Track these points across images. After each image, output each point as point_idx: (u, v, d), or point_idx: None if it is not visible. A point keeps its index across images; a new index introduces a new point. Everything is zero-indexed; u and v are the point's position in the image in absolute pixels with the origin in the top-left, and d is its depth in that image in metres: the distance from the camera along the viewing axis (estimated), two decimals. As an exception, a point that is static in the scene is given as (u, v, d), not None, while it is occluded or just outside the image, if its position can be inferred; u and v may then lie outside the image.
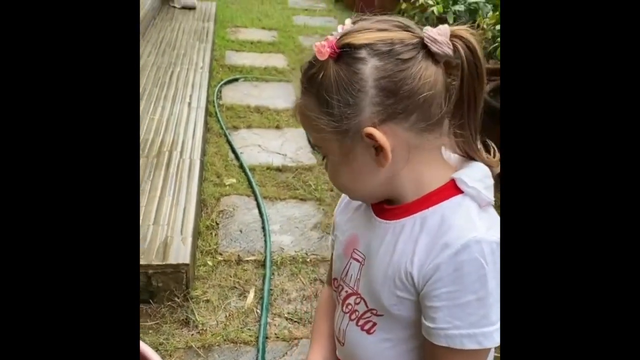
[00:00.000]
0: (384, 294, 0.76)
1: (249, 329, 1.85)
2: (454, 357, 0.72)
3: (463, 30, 0.70)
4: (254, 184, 2.63)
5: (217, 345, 1.77)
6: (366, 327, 0.80)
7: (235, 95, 3.68)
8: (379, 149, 0.70)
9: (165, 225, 2.02)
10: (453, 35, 0.69)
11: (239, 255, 2.17)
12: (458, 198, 0.73)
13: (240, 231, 2.34)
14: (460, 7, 2.45)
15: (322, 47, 0.68)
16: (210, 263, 2.12)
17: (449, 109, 0.71)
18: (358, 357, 0.83)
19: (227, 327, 1.84)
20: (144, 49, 3.85)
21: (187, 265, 1.87)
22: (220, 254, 2.18)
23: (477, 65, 0.70)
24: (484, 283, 0.68)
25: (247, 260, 2.16)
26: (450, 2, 2.51)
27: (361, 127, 0.69)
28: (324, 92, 0.69)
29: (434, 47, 0.68)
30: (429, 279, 0.70)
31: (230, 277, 2.07)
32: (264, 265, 2.13)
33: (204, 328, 1.83)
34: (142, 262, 1.84)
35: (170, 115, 2.92)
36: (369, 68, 0.67)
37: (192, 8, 5.07)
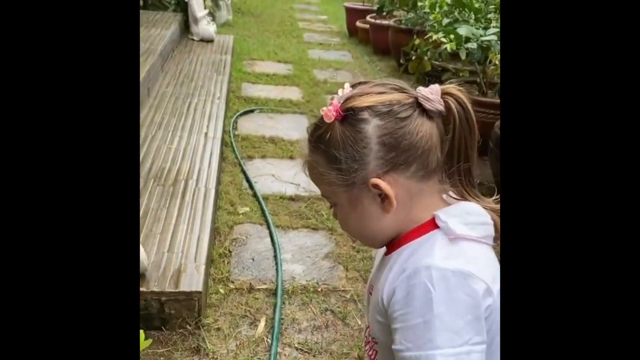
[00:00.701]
0: (372, 321, 0.83)
1: (259, 358, 1.85)
2: None
3: (452, 87, 0.80)
4: (266, 212, 2.66)
5: (228, 373, 1.78)
6: (372, 356, 0.87)
7: (251, 126, 3.75)
8: (384, 197, 0.78)
9: (180, 253, 2.05)
10: (444, 93, 0.78)
11: (250, 284, 2.19)
12: (431, 232, 0.79)
13: (253, 259, 2.36)
14: (472, 45, 2.50)
15: (328, 112, 0.77)
16: (222, 291, 2.14)
17: (443, 158, 0.80)
18: None
19: (237, 356, 1.85)
20: (162, 80, 3.95)
21: (199, 293, 1.89)
22: (232, 282, 2.20)
23: (467, 118, 0.79)
24: (430, 307, 0.71)
25: (259, 289, 2.18)
26: (463, 39, 2.57)
27: (367, 179, 0.77)
28: (332, 149, 0.78)
29: (427, 105, 0.78)
30: (389, 301, 0.76)
31: (242, 305, 2.09)
32: (275, 294, 2.14)
33: (215, 356, 1.84)
34: (155, 289, 1.86)
35: (187, 145, 2.98)
36: (372, 127, 0.76)
37: (210, 41, 5.21)
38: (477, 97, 3.28)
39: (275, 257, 2.37)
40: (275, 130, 3.69)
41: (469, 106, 0.79)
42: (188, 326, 1.91)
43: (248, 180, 2.97)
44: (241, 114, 3.89)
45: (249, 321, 2.02)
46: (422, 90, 0.79)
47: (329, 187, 0.81)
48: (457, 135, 0.79)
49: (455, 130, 0.79)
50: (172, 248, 2.07)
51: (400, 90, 0.79)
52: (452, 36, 2.48)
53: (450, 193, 0.82)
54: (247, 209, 2.73)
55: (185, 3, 5.32)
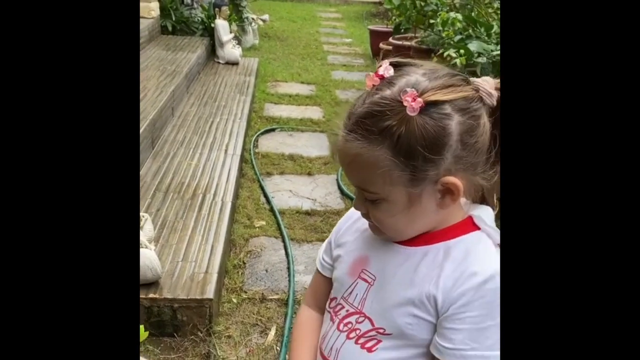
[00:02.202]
0: (399, 313, 0.79)
1: (267, 365, 1.88)
2: None
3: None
4: (282, 226, 2.71)
5: (236, 379, 1.81)
6: (367, 346, 0.83)
7: (271, 144, 3.84)
8: (445, 192, 0.75)
9: (193, 262, 2.11)
10: (496, 88, 0.75)
11: (263, 294, 2.23)
12: (477, 233, 0.80)
13: (266, 271, 2.40)
14: (483, 60, 2.54)
15: (415, 104, 0.70)
16: (234, 300, 2.19)
17: (497, 152, 0.76)
18: None
19: (246, 362, 1.88)
20: (187, 100, 4.08)
21: (210, 300, 1.94)
22: (245, 292, 2.24)
23: None
24: (499, 311, 0.73)
25: (271, 299, 2.22)
26: (475, 55, 2.60)
27: (439, 176, 0.73)
28: (407, 144, 0.71)
29: (488, 101, 0.74)
30: (455, 302, 0.75)
31: (253, 314, 2.13)
32: (286, 304, 2.18)
33: (224, 362, 1.88)
34: (168, 295, 1.92)
35: (207, 161, 3.07)
36: (455, 123, 0.72)
37: (235, 63, 5.36)
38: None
39: (288, 268, 2.41)
40: (295, 147, 3.76)
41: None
42: (199, 333, 1.96)
43: (265, 195, 3.03)
44: (262, 133, 3.97)
45: (259, 329, 2.06)
46: (481, 84, 0.75)
47: (385, 182, 0.74)
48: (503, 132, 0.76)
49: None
50: (187, 257, 2.14)
51: (468, 82, 0.75)
52: (462, 51, 2.52)
53: None
54: (264, 222, 2.78)
55: (212, 28, 5.51)
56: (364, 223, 0.86)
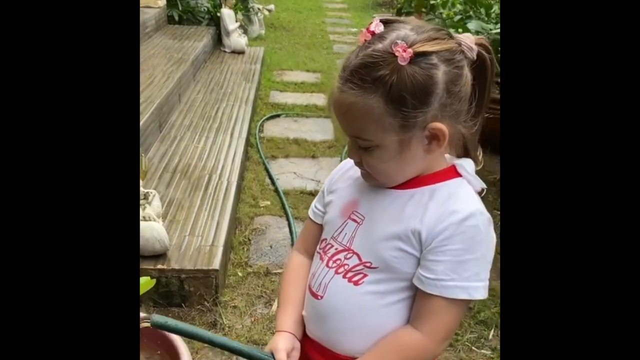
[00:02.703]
0: (385, 248, 0.86)
1: (272, 332, 1.95)
2: (442, 306, 0.84)
3: (483, 38, 0.85)
4: (286, 205, 2.77)
5: (241, 346, 1.88)
6: (354, 279, 0.89)
7: (276, 129, 3.90)
8: (432, 138, 0.82)
9: (200, 237, 2.18)
10: (477, 44, 0.83)
11: (267, 268, 2.30)
12: (460, 179, 0.88)
13: (271, 247, 2.47)
14: (481, 38, 2.58)
15: (405, 54, 0.76)
16: (240, 274, 2.26)
17: (477, 106, 0.84)
18: (339, 308, 0.91)
19: (251, 330, 1.95)
20: (194, 87, 4.15)
21: (216, 271, 2.01)
22: (250, 267, 2.31)
23: (493, 69, 0.85)
24: (480, 247, 0.83)
25: (275, 273, 2.28)
26: (474, 34, 2.63)
27: (426, 122, 0.80)
28: (398, 92, 0.77)
29: (469, 54, 0.82)
30: (437, 236, 0.82)
31: (258, 287, 2.20)
32: (290, 278, 2.24)
33: (230, 330, 1.94)
34: (175, 266, 1.99)
35: (213, 144, 3.13)
36: (441, 73, 0.79)
37: (241, 52, 5.41)
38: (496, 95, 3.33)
39: (292, 245, 2.47)
40: (300, 132, 3.82)
41: (494, 58, 0.85)
42: (206, 303, 2.03)
43: (270, 177, 3.10)
44: (267, 119, 4.04)
45: (264, 301, 2.13)
46: (463, 39, 0.82)
47: (378, 129, 0.80)
48: (488, 83, 0.85)
49: (487, 79, 0.85)
50: (193, 232, 2.21)
51: (451, 36, 0.82)
52: (460, 30, 2.56)
53: None
54: (268, 202, 2.85)
55: (218, 18, 5.56)
56: (356, 172, 0.93)
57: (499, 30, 2.47)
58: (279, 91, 4.80)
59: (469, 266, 0.82)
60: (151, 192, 2.16)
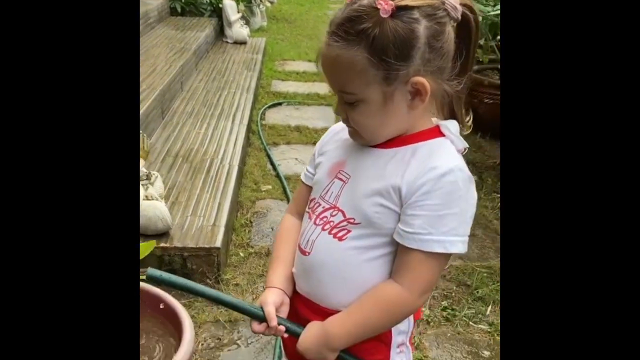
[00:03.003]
0: (368, 204, 0.89)
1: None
2: (421, 259, 0.86)
3: None
4: (287, 189, 2.81)
5: (243, 320, 1.92)
6: (339, 235, 0.92)
7: (278, 116, 3.93)
8: (415, 94, 0.84)
9: (201, 217, 2.22)
10: (461, 4, 0.84)
11: (268, 249, 2.33)
12: (442, 139, 0.90)
13: (272, 229, 2.50)
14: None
15: (387, 6, 0.78)
16: (242, 254, 2.29)
17: (462, 65, 0.86)
18: (324, 263, 0.94)
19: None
20: (196, 76, 4.18)
21: (218, 249, 2.04)
22: (252, 247, 2.35)
23: (478, 28, 0.87)
24: (458, 203, 0.85)
25: (276, 253, 2.32)
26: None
27: (409, 76, 0.82)
28: (381, 45, 0.79)
29: (452, 13, 0.83)
30: (416, 191, 0.85)
31: (260, 266, 2.23)
32: (291, 257, 2.28)
33: (232, 307, 1.98)
34: (178, 244, 2.03)
35: (215, 130, 3.17)
36: (422, 28, 0.81)
37: (243, 43, 5.44)
38: (497, 81, 3.35)
39: (293, 226, 2.51)
40: (301, 120, 3.85)
41: (479, 17, 0.87)
42: (208, 280, 2.07)
43: (272, 162, 3.13)
44: (269, 107, 4.06)
45: (265, 279, 2.16)
46: None
47: (362, 81, 0.82)
48: (473, 44, 0.87)
49: (472, 39, 0.87)
50: (195, 212, 2.24)
51: None
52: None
53: None
54: (270, 187, 2.88)
55: (220, 9, 5.59)
56: (346, 134, 0.96)
57: (496, 12, 2.50)
58: (280, 80, 4.83)
59: (447, 221, 0.84)
60: (154, 174, 2.19)
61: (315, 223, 0.96)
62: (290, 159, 3.24)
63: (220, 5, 5.58)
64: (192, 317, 1.89)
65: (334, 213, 0.94)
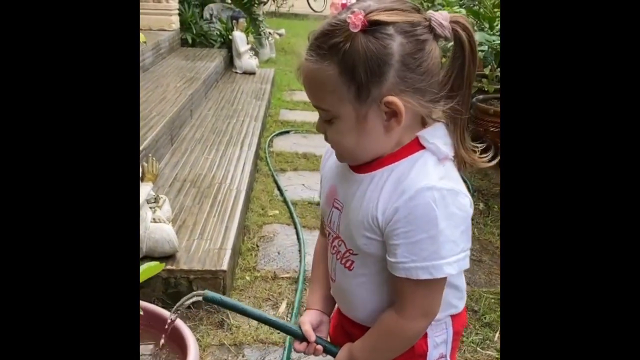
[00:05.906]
0: (357, 235, 0.88)
1: (278, 332, 1.97)
2: (411, 287, 0.85)
3: (460, 16, 0.82)
4: (294, 214, 2.81)
5: (248, 344, 1.90)
6: (347, 265, 0.93)
7: (285, 144, 3.96)
8: (391, 115, 0.79)
9: (208, 240, 2.23)
10: (452, 21, 0.79)
11: (274, 273, 2.33)
12: (420, 152, 0.84)
13: (278, 253, 2.50)
14: (484, 48, 2.64)
15: (356, 20, 0.74)
16: (248, 278, 2.29)
17: (453, 85, 0.81)
18: (344, 290, 0.97)
19: (258, 329, 1.97)
20: (205, 104, 4.24)
21: (224, 271, 2.04)
22: (258, 271, 2.34)
23: (473, 47, 0.81)
24: (434, 224, 0.79)
25: (282, 277, 2.31)
26: (478, 45, 2.70)
27: (382, 96, 0.77)
28: (351, 61, 0.75)
29: (439, 31, 0.78)
30: (390, 220, 0.82)
31: (266, 290, 2.22)
32: (297, 281, 2.27)
33: (237, 330, 1.97)
34: (185, 267, 2.03)
35: (223, 156, 3.20)
36: (396, 44, 0.76)
37: (252, 73, 5.53)
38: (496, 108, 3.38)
39: (299, 250, 2.51)
40: (308, 147, 3.88)
41: (474, 36, 0.81)
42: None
43: (279, 187, 3.15)
44: (277, 135, 4.11)
45: (271, 303, 2.15)
46: (435, 15, 0.79)
47: (334, 98, 0.79)
48: (467, 63, 0.80)
49: (465, 58, 0.80)
50: (202, 236, 2.25)
51: (418, 11, 0.79)
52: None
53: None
54: (277, 211, 2.89)
55: (230, 40, 5.70)
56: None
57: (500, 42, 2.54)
58: (288, 109, 4.89)
59: (425, 245, 0.80)
60: (161, 197, 2.21)
61: (331, 252, 0.97)
62: (297, 185, 3.26)
63: (230, 37, 5.70)
64: (197, 340, 1.88)
65: (339, 243, 0.94)
